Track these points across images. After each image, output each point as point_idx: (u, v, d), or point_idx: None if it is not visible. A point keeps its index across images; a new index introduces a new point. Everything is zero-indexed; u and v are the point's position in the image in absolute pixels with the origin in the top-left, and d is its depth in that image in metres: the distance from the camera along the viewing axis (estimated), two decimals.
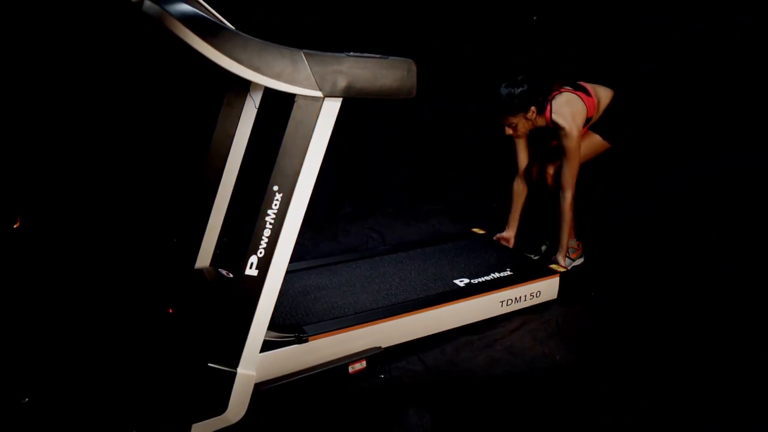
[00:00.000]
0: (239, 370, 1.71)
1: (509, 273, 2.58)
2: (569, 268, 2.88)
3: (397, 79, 1.72)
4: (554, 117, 2.67)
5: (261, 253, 1.68)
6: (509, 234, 3.00)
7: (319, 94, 1.63)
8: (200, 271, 2.20)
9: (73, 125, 3.20)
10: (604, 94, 2.80)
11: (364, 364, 2.01)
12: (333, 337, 2.00)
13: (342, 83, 1.64)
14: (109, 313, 2.27)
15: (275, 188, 1.66)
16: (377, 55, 1.71)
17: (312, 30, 3.59)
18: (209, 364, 1.68)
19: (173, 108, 3.31)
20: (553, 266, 2.66)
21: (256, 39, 1.56)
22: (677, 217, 3.37)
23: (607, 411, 1.91)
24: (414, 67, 1.74)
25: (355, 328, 2.06)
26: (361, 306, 2.24)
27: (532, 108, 2.66)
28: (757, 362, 2.18)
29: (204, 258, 2.23)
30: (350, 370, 1.98)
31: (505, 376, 2.06)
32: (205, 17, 1.55)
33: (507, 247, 2.94)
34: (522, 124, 2.71)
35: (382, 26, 3.85)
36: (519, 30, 2.72)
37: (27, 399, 1.78)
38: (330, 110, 1.66)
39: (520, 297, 2.48)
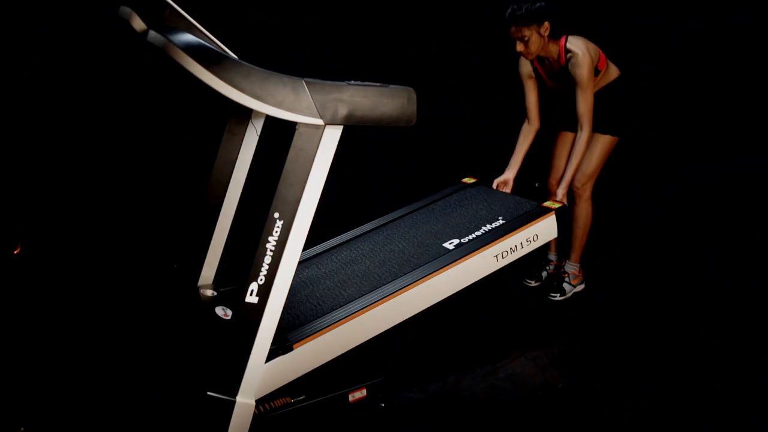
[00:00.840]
0: (238, 398, 1.69)
1: (501, 222, 2.43)
2: (570, 294, 2.87)
3: (397, 107, 1.74)
4: (568, 45, 2.59)
5: (261, 280, 1.68)
6: (508, 175, 2.85)
7: (320, 122, 1.64)
8: (200, 297, 2.19)
9: (73, 126, 3.17)
10: (612, 66, 2.76)
11: (364, 392, 1.98)
12: (318, 339, 1.91)
13: (343, 111, 1.66)
14: (105, 336, 2.26)
15: (276, 215, 1.67)
16: (377, 84, 1.73)
17: (312, 30, 3.59)
18: (208, 393, 1.66)
19: (173, 109, 3.27)
20: (548, 203, 2.50)
21: (258, 68, 1.58)
22: (677, 220, 3.38)
23: (607, 411, 1.89)
24: (414, 95, 1.76)
25: (341, 324, 1.95)
26: (345, 297, 2.12)
27: (546, 23, 2.53)
28: (757, 362, 2.19)
29: (205, 285, 2.22)
30: (350, 398, 1.95)
31: (507, 405, 2.04)
32: (208, 47, 1.57)
33: (499, 194, 2.74)
34: (535, 39, 2.54)
35: (381, 26, 3.84)
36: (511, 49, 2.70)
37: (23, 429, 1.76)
38: (331, 138, 1.68)
39: (516, 246, 2.34)
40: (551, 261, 3.07)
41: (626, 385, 2.03)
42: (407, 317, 2.11)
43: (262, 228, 1.68)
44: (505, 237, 2.32)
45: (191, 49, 1.53)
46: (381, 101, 1.72)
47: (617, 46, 3.54)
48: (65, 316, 2.34)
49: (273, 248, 1.68)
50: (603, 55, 2.69)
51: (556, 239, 2.98)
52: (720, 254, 3.07)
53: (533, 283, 3.05)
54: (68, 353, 2.08)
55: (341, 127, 1.68)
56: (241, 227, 2.27)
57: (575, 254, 2.91)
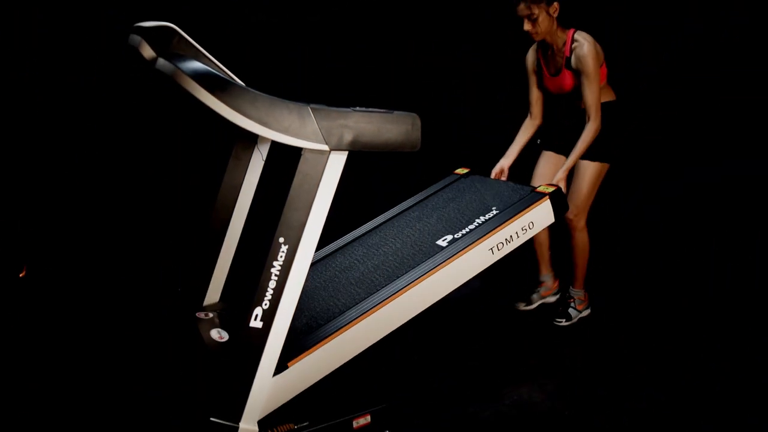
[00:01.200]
0: (242, 425, 1.68)
1: (495, 213, 2.35)
2: (575, 320, 2.85)
3: (401, 133, 1.76)
4: (576, 35, 2.57)
5: (266, 305, 1.68)
6: (503, 163, 2.83)
7: (325, 147, 1.66)
8: (203, 320, 2.19)
9: (74, 130, 3.16)
10: (609, 88, 2.74)
11: (368, 419, 1.96)
12: (312, 354, 1.86)
13: (348, 137, 1.67)
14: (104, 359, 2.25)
15: (281, 240, 1.67)
16: (383, 110, 1.76)
17: (312, 30, 3.59)
18: (211, 418, 1.65)
19: (174, 110, 3.27)
20: (542, 187, 2.41)
21: (264, 94, 1.61)
22: (677, 221, 3.37)
23: (607, 412, 1.88)
24: (418, 121, 1.78)
25: (335, 337, 1.90)
26: (340, 307, 2.08)
27: (556, 4, 2.51)
28: (757, 363, 2.17)
29: (209, 308, 2.22)
30: (354, 425, 1.94)
31: None
32: (216, 74, 1.60)
33: (492, 182, 2.66)
34: (543, 18, 2.50)
35: (381, 26, 3.82)
36: (517, 31, 2.66)
37: None
38: (336, 163, 1.69)
39: (511, 236, 2.26)
40: (542, 282, 3.02)
41: (626, 386, 2.02)
42: (404, 321, 2.04)
43: (267, 252, 1.69)
44: (499, 228, 2.25)
45: (199, 77, 1.55)
46: (386, 127, 1.73)
47: (617, 49, 3.46)
48: (68, 327, 2.34)
49: (278, 273, 1.68)
50: (605, 69, 2.66)
51: (547, 258, 2.99)
52: (720, 255, 3.06)
53: (524, 306, 3.00)
54: (70, 366, 2.08)
55: (346, 152, 1.70)
56: (245, 251, 2.28)
57: (578, 281, 2.89)
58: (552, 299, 3.04)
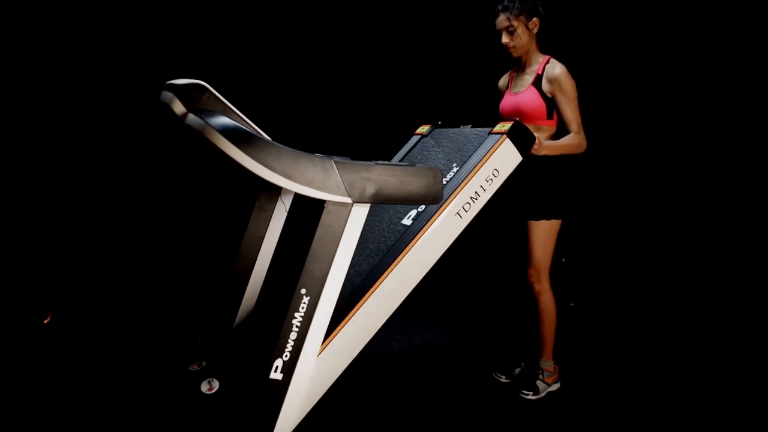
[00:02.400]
0: None
1: (455, 170, 2.11)
2: (543, 394, 2.60)
3: (423, 186, 1.78)
4: (551, 61, 2.52)
5: (286, 356, 1.68)
6: None
7: (348, 200, 1.69)
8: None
9: (75, 128, 3.19)
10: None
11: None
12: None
13: (370, 190, 1.71)
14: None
15: (303, 291, 1.69)
16: (404, 163, 1.79)
17: (312, 29, 3.57)
18: None
19: (199, 160, 3.34)
20: (497, 127, 2.16)
21: (289, 149, 1.65)
22: (677, 221, 3.31)
23: (607, 412, 1.81)
24: (440, 175, 1.81)
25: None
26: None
27: (536, 19, 2.50)
28: (757, 363, 2.10)
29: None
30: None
31: None
32: (243, 128, 1.65)
33: (451, 134, 2.40)
34: (522, 32, 2.49)
35: (381, 26, 3.80)
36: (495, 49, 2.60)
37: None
38: (358, 215, 1.72)
39: (477, 192, 2.05)
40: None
41: (626, 387, 1.94)
42: (379, 327, 1.92)
43: (288, 303, 1.70)
44: (460, 189, 2.02)
45: (227, 131, 1.60)
46: (407, 180, 1.76)
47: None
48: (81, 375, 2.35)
49: (299, 324, 1.68)
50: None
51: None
52: (720, 255, 2.98)
53: (504, 379, 2.75)
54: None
55: (368, 205, 1.73)
56: (267, 301, 2.29)
57: (546, 351, 2.65)
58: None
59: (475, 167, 2.06)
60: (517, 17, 2.49)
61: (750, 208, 3.29)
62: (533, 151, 2.32)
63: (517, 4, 2.48)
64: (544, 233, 2.56)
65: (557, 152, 2.46)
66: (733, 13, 3.43)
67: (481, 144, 2.14)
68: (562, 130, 2.53)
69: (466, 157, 2.14)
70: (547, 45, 2.61)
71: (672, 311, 3.13)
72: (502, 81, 2.78)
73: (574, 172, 2.60)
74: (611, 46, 3.72)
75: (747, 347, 2.61)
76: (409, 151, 2.51)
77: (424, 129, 2.59)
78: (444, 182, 2.06)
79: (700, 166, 3.44)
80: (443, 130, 2.49)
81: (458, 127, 2.42)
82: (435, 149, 2.38)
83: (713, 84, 3.53)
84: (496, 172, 2.10)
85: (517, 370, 2.77)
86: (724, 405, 2.31)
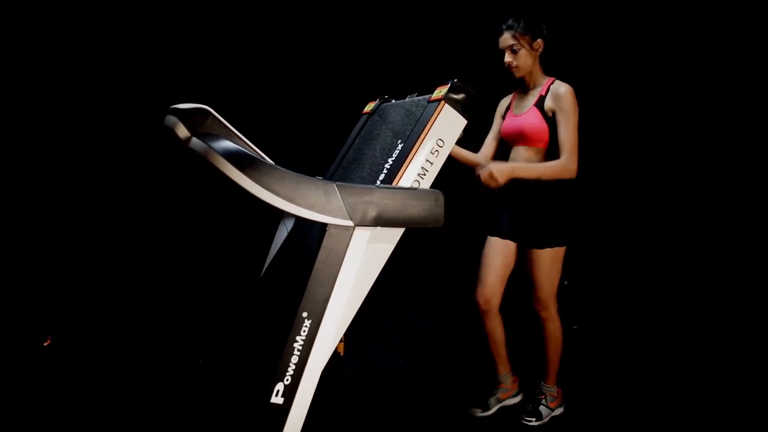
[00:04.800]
0: None
1: (400, 148, 1.93)
2: (547, 419, 2.54)
3: (425, 209, 1.79)
4: (557, 81, 2.50)
5: (288, 380, 1.67)
6: (480, 160, 2.71)
7: (350, 223, 1.69)
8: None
9: (76, 129, 3.18)
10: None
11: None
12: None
13: (372, 213, 1.71)
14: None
15: (304, 314, 1.68)
16: (406, 187, 1.80)
17: (312, 29, 3.56)
18: None
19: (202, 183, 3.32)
20: (434, 94, 1.95)
21: (292, 172, 1.66)
22: (676, 221, 3.30)
23: (607, 412, 1.79)
24: (441, 198, 1.81)
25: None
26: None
27: (540, 40, 2.48)
28: (757, 363, 2.08)
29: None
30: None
31: None
32: (246, 152, 1.66)
33: (397, 107, 2.18)
34: (525, 53, 2.46)
35: (381, 27, 3.80)
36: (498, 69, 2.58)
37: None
38: (360, 239, 1.72)
39: (424, 168, 1.87)
40: (500, 383, 2.73)
41: (626, 388, 1.93)
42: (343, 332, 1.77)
43: (290, 326, 1.69)
44: (403, 168, 1.84)
45: (230, 155, 1.61)
46: (409, 203, 1.77)
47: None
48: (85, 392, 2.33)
49: (300, 348, 1.68)
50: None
51: (504, 356, 2.68)
52: (720, 255, 2.97)
53: (481, 413, 2.68)
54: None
55: (371, 228, 1.73)
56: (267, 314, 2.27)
57: (551, 376, 2.62)
58: (512, 401, 2.75)
59: (416, 142, 1.87)
60: (522, 36, 2.47)
61: (756, 232, 3.31)
62: (486, 181, 2.29)
63: (522, 24, 2.47)
64: (550, 261, 2.51)
65: (530, 176, 2.39)
66: (732, 33, 3.47)
67: (421, 115, 1.95)
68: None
69: (406, 135, 1.96)
70: (551, 69, 2.63)
71: (676, 333, 3.13)
72: (504, 103, 2.77)
73: (576, 197, 2.58)
74: (613, 71, 3.76)
75: (753, 373, 2.60)
76: (357, 134, 2.31)
77: (370, 106, 2.35)
78: (389, 166, 1.91)
79: (701, 187, 3.46)
80: (389, 104, 2.29)
81: (404, 98, 2.24)
82: (382, 127, 2.20)
83: (711, 107, 3.56)
84: (440, 142, 1.90)
85: (491, 400, 2.68)
86: (728, 429, 2.30)
